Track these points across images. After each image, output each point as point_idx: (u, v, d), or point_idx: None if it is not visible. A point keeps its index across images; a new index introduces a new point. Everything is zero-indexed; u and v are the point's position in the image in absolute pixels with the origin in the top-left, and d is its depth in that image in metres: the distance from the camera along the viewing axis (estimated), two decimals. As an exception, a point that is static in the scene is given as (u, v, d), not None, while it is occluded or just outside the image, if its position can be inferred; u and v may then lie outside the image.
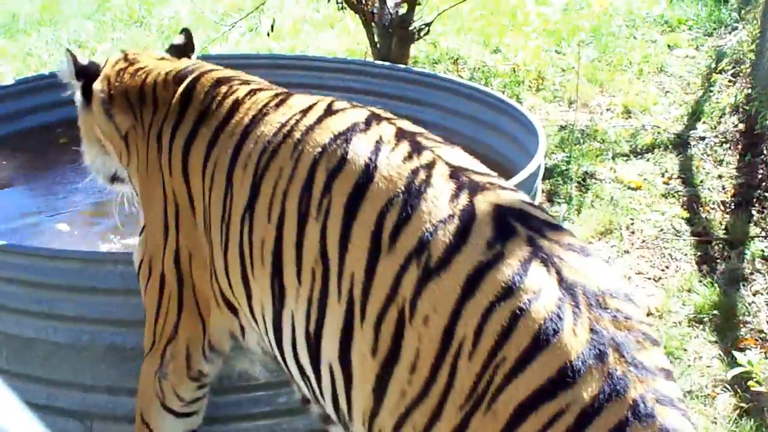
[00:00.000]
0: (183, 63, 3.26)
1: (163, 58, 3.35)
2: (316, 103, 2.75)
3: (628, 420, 1.90)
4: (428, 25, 6.94)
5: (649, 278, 4.96)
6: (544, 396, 1.96)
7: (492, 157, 5.02)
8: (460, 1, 8.51)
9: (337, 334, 2.41)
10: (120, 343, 3.28)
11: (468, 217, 2.22)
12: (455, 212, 2.24)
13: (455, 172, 2.36)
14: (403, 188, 2.33)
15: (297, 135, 2.62)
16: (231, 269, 2.74)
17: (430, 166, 2.38)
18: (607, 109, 7.28)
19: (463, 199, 2.27)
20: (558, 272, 2.10)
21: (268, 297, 2.62)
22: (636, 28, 9.13)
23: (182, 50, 3.49)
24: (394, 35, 6.80)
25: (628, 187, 5.94)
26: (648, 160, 6.35)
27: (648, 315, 4.59)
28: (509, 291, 2.07)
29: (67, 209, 4.80)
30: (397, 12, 6.76)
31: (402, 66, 6.18)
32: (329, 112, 2.68)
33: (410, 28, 6.84)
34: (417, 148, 2.46)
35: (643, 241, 5.30)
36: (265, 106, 2.81)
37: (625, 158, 6.37)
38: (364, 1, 6.87)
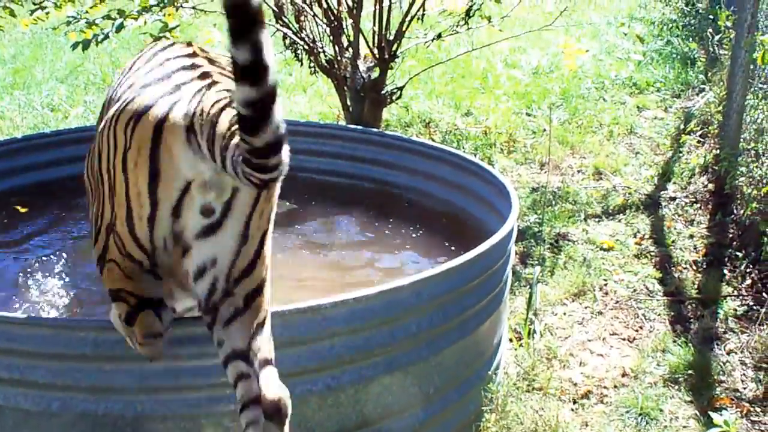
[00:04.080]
0: None
1: None
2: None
3: None
4: (400, 89, 7.00)
5: (624, 339, 4.95)
6: None
7: (465, 220, 5.06)
8: (431, 65, 8.63)
9: None
10: (92, 411, 3.23)
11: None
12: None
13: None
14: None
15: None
16: None
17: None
18: (579, 171, 7.34)
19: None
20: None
21: None
22: (605, 91, 9.27)
23: None
24: (367, 99, 6.85)
25: (601, 248, 5.96)
26: (620, 221, 6.39)
27: (623, 376, 4.59)
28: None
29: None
30: (369, 76, 6.81)
31: (375, 129, 6.22)
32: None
33: (382, 92, 6.90)
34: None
35: (617, 302, 5.31)
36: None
37: (597, 219, 6.41)
38: (336, 66, 6.93)
